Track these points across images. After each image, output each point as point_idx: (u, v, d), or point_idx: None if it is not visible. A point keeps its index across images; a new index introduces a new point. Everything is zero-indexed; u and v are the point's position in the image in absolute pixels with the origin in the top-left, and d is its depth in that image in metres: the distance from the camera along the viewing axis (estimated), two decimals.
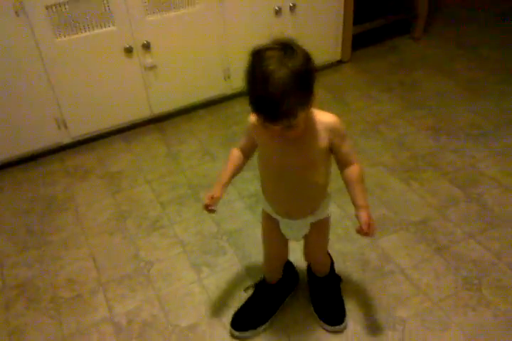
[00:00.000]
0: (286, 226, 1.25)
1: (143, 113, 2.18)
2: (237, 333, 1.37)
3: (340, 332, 1.38)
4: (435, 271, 1.54)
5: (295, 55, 0.92)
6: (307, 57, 0.95)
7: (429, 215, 1.74)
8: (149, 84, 2.10)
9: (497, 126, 2.15)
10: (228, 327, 1.39)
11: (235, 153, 1.21)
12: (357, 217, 1.12)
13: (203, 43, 2.13)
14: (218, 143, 2.14)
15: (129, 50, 1.96)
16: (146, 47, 1.99)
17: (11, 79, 1.83)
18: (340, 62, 2.67)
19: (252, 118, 1.10)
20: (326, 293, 1.44)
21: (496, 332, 1.36)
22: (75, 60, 1.90)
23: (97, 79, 1.98)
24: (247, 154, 1.22)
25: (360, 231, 1.11)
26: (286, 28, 2.24)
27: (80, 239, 1.71)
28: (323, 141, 1.07)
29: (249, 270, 1.56)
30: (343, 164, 1.13)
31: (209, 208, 1.16)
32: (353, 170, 1.13)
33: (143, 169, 2.02)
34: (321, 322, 1.40)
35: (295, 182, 1.14)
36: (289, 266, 1.49)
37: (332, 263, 1.47)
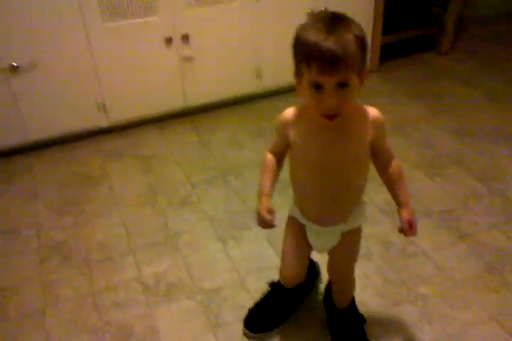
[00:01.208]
0: (314, 233, 1.16)
1: (177, 103, 2.28)
2: (251, 334, 1.32)
3: None
4: (458, 255, 1.57)
5: (354, 22, 0.92)
6: (362, 30, 0.93)
7: (453, 206, 1.77)
8: (185, 75, 2.21)
9: None
10: (251, 292, 1.43)
11: (270, 159, 1.13)
12: (400, 215, 1.09)
13: (238, 40, 2.24)
14: (247, 135, 2.22)
15: (169, 41, 2.08)
16: (185, 38, 2.11)
17: (58, 60, 1.94)
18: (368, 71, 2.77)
19: (284, 115, 1.06)
20: (349, 330, 1.29)
21: None
22: (119, 46, 2.02)
23: (138, 67, 2.09)
24: (280, 157, 1.14)
25: (403, 230, 1.08)
26: None
27: (113, 210, 1.78)
28: (368, 133, 1.02)
29: (273, 245, 1.60)
30: (384, 160, 1.09)
31: (271, 223, 1.06)
32: (395, 167, 1.09)
33: (174, 153, 2.10)
34: None
35: (336, 183, 1.06)
36: (310, 265, 1.37)
37: (353, 299, 1.33)
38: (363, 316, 1.33)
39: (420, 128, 2.26)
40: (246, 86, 2.39)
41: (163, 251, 1.59)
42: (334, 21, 0.91)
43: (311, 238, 1.17)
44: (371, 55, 2.70)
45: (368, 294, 1.43)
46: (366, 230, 1.58)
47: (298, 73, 0.95)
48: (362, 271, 1.48)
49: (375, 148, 1.06)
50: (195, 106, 2.34)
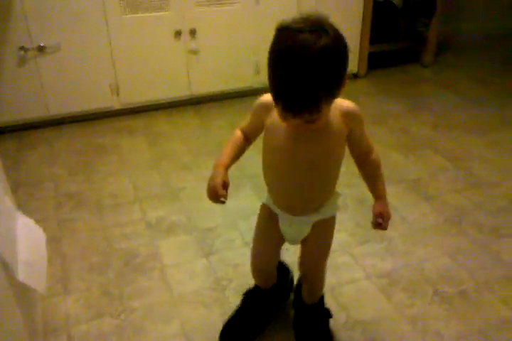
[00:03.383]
0: (286, 223, 1.14)
1: (183, 92, 2.55)
2: None
3: None
4: (422, 211, 1.80)
5: (327, 36, 0.83)
6: (340, 41, 0.86)
7: (422, 176, 2.01)
8: (191, 66, 2.49)
9: (491, 126, 2.45)
10: (241, 232, 1.65)
11: (238, 135, 1.11)
12: (373, 208, 1.10)
13: (239, 38, 2.52)
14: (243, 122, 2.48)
15: (178, 34, 2.38)
16: (193, 33, 2.40)
17: (79, 45, 2.22)
18: (356, 76, 3.06)
19: (265, 98, 1.03)
20: (313, 326, 1.27)
21: (471, 253, 1.59)
22: (134, 36, 2.30)
23: (149, 56, 2.38)
24: (249, 137, 1.11)
25: (374, 223, 1.10)
26: None
27: (122, 171, 2.03)
28: (342, 126, 1.00)
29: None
30: (362, 153, 1.07)
31: (222, 199, 1.02)
32: (373, 161, 1.09)
33: (179, 133, 2.36)
34: None
35: (306, 173, 1.04)
36: (282, 269, 1.36)
37: (322, 295, 1.31)
38: (330, 311, 1.30)
39: (400, 121, 2.52)
40: (246, 80, 2.66)
41: (166, 201, 1.82)
42: (307, 46, 0.81)
43: (284, 227, 1.15)
44: (359, 62, 3.00)
45: (341, 235, 1.65)
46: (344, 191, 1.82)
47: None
48: (338, 219, 1.71)
49: (352, 139, 1.03)
50: (199, 96, 2.61)
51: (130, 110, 2.50)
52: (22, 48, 2.12)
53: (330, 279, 1.47)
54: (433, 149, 2.23)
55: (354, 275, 1.50)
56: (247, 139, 1.11)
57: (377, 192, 1.11)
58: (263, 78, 2.80)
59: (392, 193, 1.89)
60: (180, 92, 2.55)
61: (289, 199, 1.10)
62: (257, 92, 3.09)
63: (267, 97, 1.00)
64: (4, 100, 2.21)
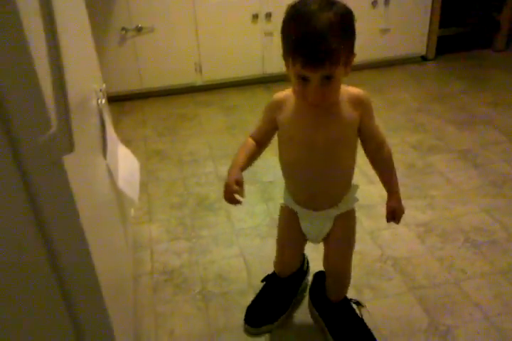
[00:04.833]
0: (307, 220, 1.16)
1: (257, 71, 2.82)
2: (253, 329, 1.30)
3: None
4: (468, 175, 1.94)
5: (337, 4, 0.93)
6: (348, 9, 0.94)
7: (474, 148, 2.13)
8: (265, 47, 2.76)
9: None
10: None
11: (249, 141, 1.13)
12: (387, 202, 1.11)
13: None
14: None
15: (255, 17, 2.65)
16: (268, 16, 2.66)
17: (170, 27, 2.55)
18: (425, 59, 3.17)
19: (276, 96, 1.10)
20: (347, 322, 1.26)
21: (508, 211, 1.72)
22: (217, 19, 2.60)
23: (229, 37, 2.67)
24: (262, 142, 1.13)
25: (387, 218, 1.11)
26: (379, 19, 2.83)
27: (200, 135, 2.35)
28: (354, 114, 1.03)
29: None
30: (373, 144, 1.07)
31: (237, 198, 1.04)
32: (385, 154, 1.08)
33: (250, 105, 2.64)
34: None
35: (323, 162, 1.06)
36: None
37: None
38: (358, 301, 1.32)
39: (461, 99, 2.62)
40: None
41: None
42: (321, 9, 0.90)
43: (304, 225, 1.17)
44: (428, 45, 3.11)
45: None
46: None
47: (284, 58, 0.98)
48: None
49: (363, 130, 1.05)
50: (271, 75, 2.87)
51: (209, 86, 2.82)
52: (123, 29, 2.49)
53: (369, 224, 1.68)
54: (489, 124, 2.34)
55: (393, 223, 1.69)
56: (259, 144, 1.13)
57: (391, 187, 1.10)
58: None
59: (441, 160, 2.05)
60: (254, 71, 2.83)
61: (309, 192, 1.12)
62: None
63: (277, 96, 1.09)
64: (107, 75, 2.60)
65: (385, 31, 2.89)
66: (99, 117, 1.17)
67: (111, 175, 1.18)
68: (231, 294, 1.43)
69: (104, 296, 0.90)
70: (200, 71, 2.73)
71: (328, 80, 0.93)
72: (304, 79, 0.94)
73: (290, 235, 1.22)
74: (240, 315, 1.34)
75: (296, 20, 0.91)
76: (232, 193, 1.03)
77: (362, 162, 1.17)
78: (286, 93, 1.08)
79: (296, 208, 1.16)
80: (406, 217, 1.72)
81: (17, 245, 0.79)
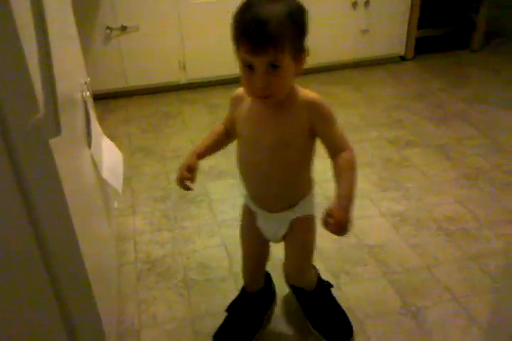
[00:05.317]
0: (263, 220, 1.16)
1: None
2: None
3: None
4: (442, 168, 2.02)
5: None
6: (300, 5, 0.95)
7: (448, 142, 2.22)
8: None
9: None
10: None
11: (216, 129, 1.15)
12: (329, 206, 0.97)
13: None
14: None
15: None
16: None
17: (155, 26, 2.59)
18: (403, 59, 3.26)
19: (235, 91, 1.10)
20: (323, 308, 1.30)
21: (480, 202, 1.80)
22: (201, 20, 2.65)
23: (213, 36, 2.69)
24: (229, 131, 1.14)
25: (322, 221, 0.97)
26: (359, 20, 2.90)
27: (184, 132, 2.39)
28: (302, 118, 1.00)
29: None
30: (331, 150, 1.02)
31: (186, 183, 1.06)
32: (342, 160, 1.00)
33: None
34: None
35: (269, 164, 1.05)
36: (266, 276, 1.38)
37: (318, 273, 1.34)
38: (329, 282, 1.35)
39: (438, 97, 2.71)
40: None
41: (217, 154, 2.15)
42: (271, 0, 0.91)
43: (261, 225, 1.17)
44: (407, 45, 3.20)
45: (364, 185, 1.91)
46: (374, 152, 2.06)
47: (235, 50, 0.95)
48: (362, 174, 1.97)
49: (319, 136, 1.03)
50: None
51: (194, 84, 2.87)
52: (108, 28, 2.53)
53: None
54: (465, 121, 2.42)
55: (370, 213, 1.76)
56: (227, 132, 1.14)
57: (338, 192, 0.99)
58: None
59: (417, 154, 2.13)
60: (237, 70, 2.87)
61: (259, 193, 1.12)
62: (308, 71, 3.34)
63: (237, 91, 1.09)
64: (92, 73, 2.64)
65: (365, 32, 2.97)
66: (84, 109, 1.21)
67: (95, 165, 1.23)
68: (213, 281, 1.49)
69: (90, 280, 0.94)
70: (184, 69, 2.78)
71: (274, 69, 0.91)
72: (249, 68, 0.93)
73: (250, 232, 1.22)
74: (221, 301, 1.40)
75: (244, 10, 0.91)
76: (183, 179, 1.07)
77: None
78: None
79: (254, 208, 1.16)
80: (381, 207, 1.81)
81: (5, 226, 0.83)
